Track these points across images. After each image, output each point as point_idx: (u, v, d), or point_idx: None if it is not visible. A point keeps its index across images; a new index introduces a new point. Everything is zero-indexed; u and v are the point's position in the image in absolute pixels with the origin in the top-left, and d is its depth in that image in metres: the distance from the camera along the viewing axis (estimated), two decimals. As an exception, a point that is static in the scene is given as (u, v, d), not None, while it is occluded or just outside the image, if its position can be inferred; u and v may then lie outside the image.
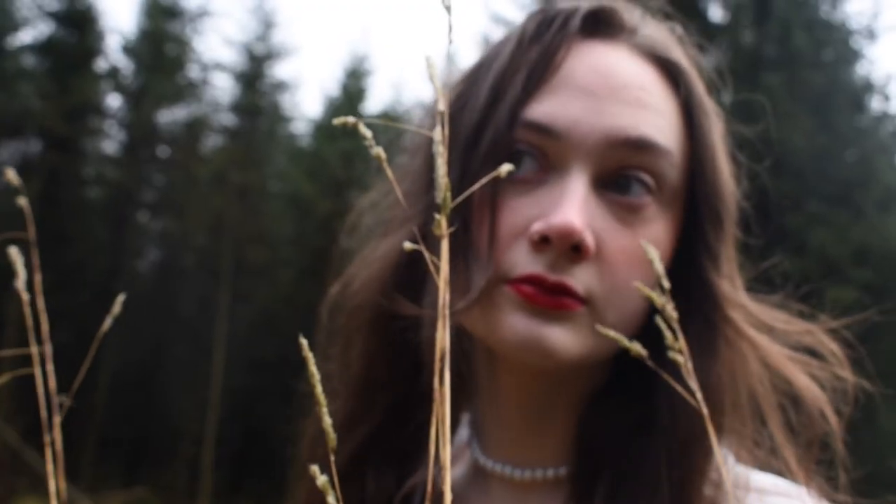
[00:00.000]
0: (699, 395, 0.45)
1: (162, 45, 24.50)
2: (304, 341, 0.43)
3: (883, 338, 17.29)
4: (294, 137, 28.21)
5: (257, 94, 25.69)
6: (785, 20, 17.92)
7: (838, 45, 19.24)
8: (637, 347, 0.47)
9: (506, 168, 0.47)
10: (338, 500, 0.40)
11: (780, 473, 0.81)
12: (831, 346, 0.84)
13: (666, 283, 0.49)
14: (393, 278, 0.83)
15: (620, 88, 0.78)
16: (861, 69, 19.79)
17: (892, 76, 22.39)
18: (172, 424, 23.75)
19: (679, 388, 0.48)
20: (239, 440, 23.22)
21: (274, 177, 27.05)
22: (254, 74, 25.64)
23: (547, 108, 0.77)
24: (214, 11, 31.36)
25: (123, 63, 24.89)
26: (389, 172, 0.46)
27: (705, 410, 0.46)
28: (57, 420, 0.60)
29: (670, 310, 0.48)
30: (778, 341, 0.83)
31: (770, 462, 0.81)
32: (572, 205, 0.73)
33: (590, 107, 0.77)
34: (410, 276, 0.82)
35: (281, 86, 26.30)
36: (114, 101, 25.45)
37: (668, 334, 0.46)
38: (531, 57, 0.79)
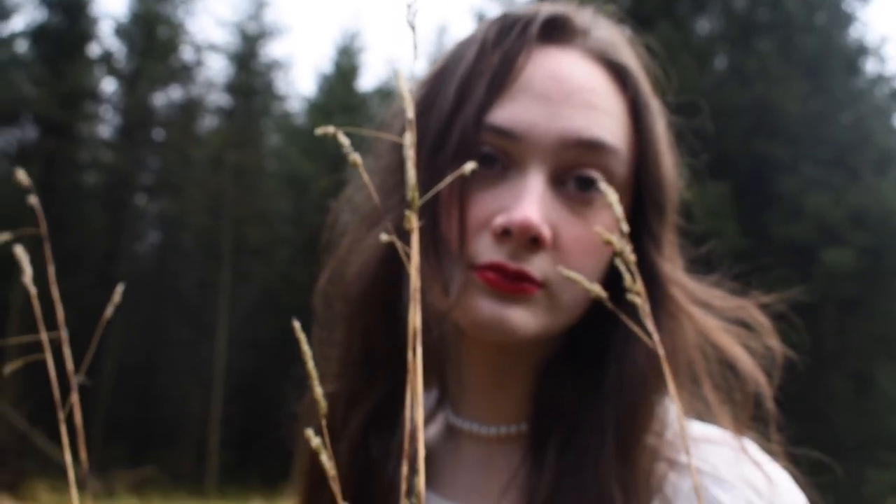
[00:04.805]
0: (655, 336, 0.52)
1: (154, 28, 24.45)
2: (296, 323, 0.50)
3: (881, 300, 17.38)
4: (289, 116, 28.21)
5: (251, 74, 25.67)
6: (777, -16, 17.86)
7: (831, 8, 19.21)
8: (598, 290, 0.54)
9: (469, 167, 0.53)
10: (330, 458, 0.47)
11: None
12: (761, 319, 0.93)
13: (625, 227, 0.56)
14: (384, 267, 0.91)
15: (573, 93, 0.86)
16: (854, 32, 19.78)
17: (886, 38, 22.34)
18: (177, 405, 23.89)
19: (637, 330, 0.54)
20: (243, 419, 23.36)
21: (270, 156, 27.05)
22: (247, 54, 25.62)
23: (507, 113, 0.85)
24: (205, -8, 31.18)
25: (116, 47, 24.88)
26: (365, 175, 0.52)
27: (662, 351, 0.53)
28: (75, 397, 0.66)
29: (628, 252, 0.54)
30: (715, 316, 0.93)
31: (706, 418, 0.91)
32: (531, 201, 0.82)
33: (546, 111, 0.85)
34: (398, 264, 0.89)
35: (274, 65, 26.30)
36: (108, 85, 25.47)
37: (626, 276, 0.53)
38: (493, 63, 0.87)
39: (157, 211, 26.40)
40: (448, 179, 0.57)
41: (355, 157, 0.51)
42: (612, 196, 0.58)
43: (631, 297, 0.54)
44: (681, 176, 0.94)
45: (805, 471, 0.90)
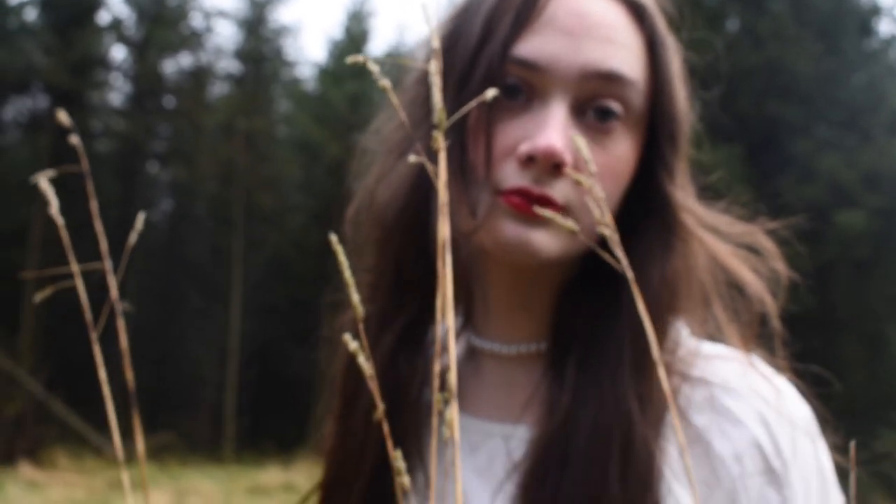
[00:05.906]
0: (624, 262, 0.56)
1: (163, -5, 24.39)
2: (333, 237, 0.53)
3: (894, 262, 17.36)
4: (299, 82, 28.15)
5: (260, 40, 25.60)
6: (789, -56, 17.69)
7: (844, -32, 19.00)
8: (572, 225, 0.58)
9: (492, 92, 0.57)
10: (368, 360, 0.50)
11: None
12: (767, 244, 0.99)
13: (594, 168, 0.59)
14: (413, 194, 0.96)
15: (593, 27, 0.91)
16: (868, -8, 19.57)
17: (899, -3, 22.09)
18: (192, 372, 24.05)
19: (608, 259, 0.59)
20: (256, 384, 23.51)
21: (280, 122, 27.04)
22: (256, 20, 25.53)
23: (532, 46, 0.90)
24: (213, -42, 31.06)
25: (126, 14, 24.83)
26: (395, 99, 0.55)
27: (631, 274, 0.58)
28: (121, 323, 0.70)
29: (598, 189, 0.58)
30: (724, 240, 0.99)
31: (716, 337, 0.97)
32: (554, 129, 0.87)
33: (568, 44, 0.90)
34: (427, 192, 0.95)
35: (284, 31, 26.20)
36: (118, 52, 25.46)
37: (595, 211, 0.57)
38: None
39: (169, 178, 26.44)
40: (473, 103, 0.60)
41: (385, 82, 0.55)
42: (580, 142, 0.63)
43: (600, 229, 0.58)
44: (692, 109, 0.98)
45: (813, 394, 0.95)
